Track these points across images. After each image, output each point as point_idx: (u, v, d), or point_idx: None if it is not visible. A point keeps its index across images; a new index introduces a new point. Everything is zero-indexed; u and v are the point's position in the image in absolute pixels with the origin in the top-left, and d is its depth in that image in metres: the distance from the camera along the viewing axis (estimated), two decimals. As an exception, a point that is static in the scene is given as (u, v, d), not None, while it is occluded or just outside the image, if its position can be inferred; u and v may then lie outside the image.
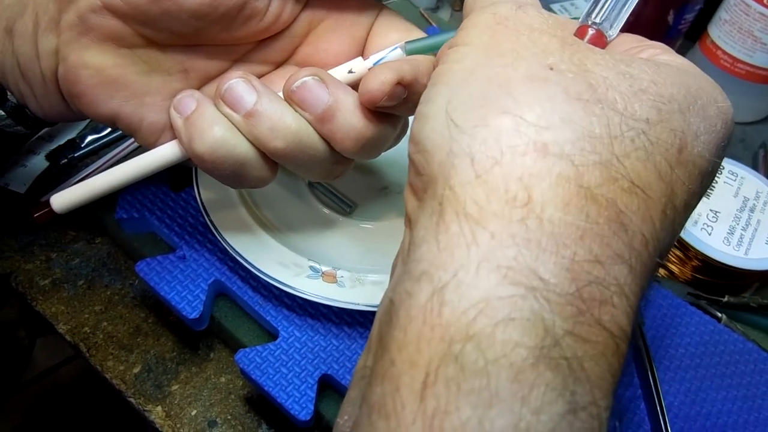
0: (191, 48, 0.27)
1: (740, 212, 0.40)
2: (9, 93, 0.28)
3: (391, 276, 0.21)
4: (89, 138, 0.45)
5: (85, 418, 0.97)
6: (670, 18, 0.54)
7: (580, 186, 0.17)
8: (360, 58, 0.28)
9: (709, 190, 0.41)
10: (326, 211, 0.38)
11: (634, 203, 0.18)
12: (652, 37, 0.61)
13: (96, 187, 0.28)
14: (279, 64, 0.30)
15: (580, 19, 0.23)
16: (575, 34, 0.22)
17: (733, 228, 0.39)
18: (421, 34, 0.29)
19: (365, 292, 0.33)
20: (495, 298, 0.16)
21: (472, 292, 0.16)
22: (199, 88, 0.28)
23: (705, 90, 0.20)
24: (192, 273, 0.35)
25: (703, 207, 0.40)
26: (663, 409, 0.32)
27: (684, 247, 0.39)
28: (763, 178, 0.42)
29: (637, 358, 0.35)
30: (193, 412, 0.35)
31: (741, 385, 0.34)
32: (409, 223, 0.20)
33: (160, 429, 0.34)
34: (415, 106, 0.27)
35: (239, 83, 0.25)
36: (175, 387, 0.36)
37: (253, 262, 0.33)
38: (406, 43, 0.27)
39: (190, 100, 0.26)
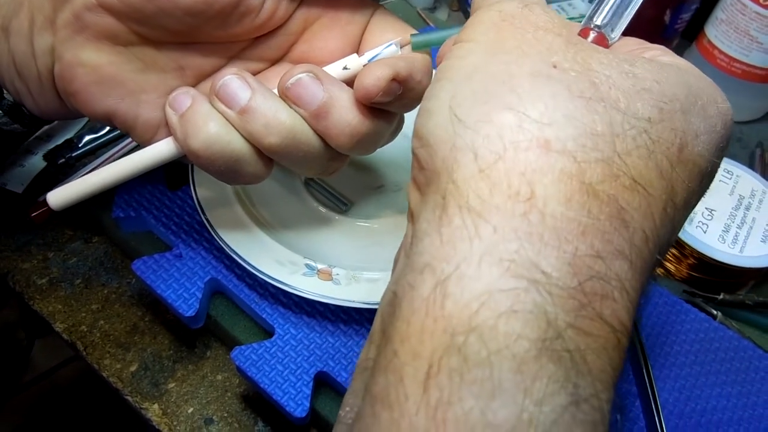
0: (186, 45, 0.27)
1: (735, 210, 0.40)
2: (5, 91, 0.28)
3: (394, 269, 0.21)
4: (87, 138, 0.45)
5: (84, 419, 0.98)
6: (667, 17, 0.54)
7: (582, 182, 0.17)
8: (355, 54, 0.28)
9: (704, 188, 0.41)
10: (322, 209, 0.38)
11: (635, 200, 0.18)
12: (649, 37, 0.61)
13: (92, 184, 0.28)
14: (274, 62, 0.30)
15: (582, 22, 0.23)
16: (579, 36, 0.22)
17: (729, 226, 0.39)
18: (413, 31, 0.29)
19: (361, 290, 0.33)
20: (497, 290, 0.16)
21: (474, 284, 0.16)
22: (194, 85, 0.28)
23: (705, 91, 0.20)
24: (188, 271, 0.35)
25: (698, 205, 0.40)
26: (658, 406, 0.32)
27: (680, 245, 0.39)
28: (759, 177, 0.42)
29: (632, 356, 0.35)
30: (190, 410, 0.35)
31: (736, 382, 0.34)
32: (412, 217, 0.21)
33: (157, 427, 0.34)
34: (410, 103, 0.27)
35: (234, 80, 0.25)
36: (171, 385, 0.36)
37: (249, 260, 0.33)
38: (411, 36, 0.27)
39: (185, 97, 0.26)
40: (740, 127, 0.57)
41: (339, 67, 0.27)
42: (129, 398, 0.35)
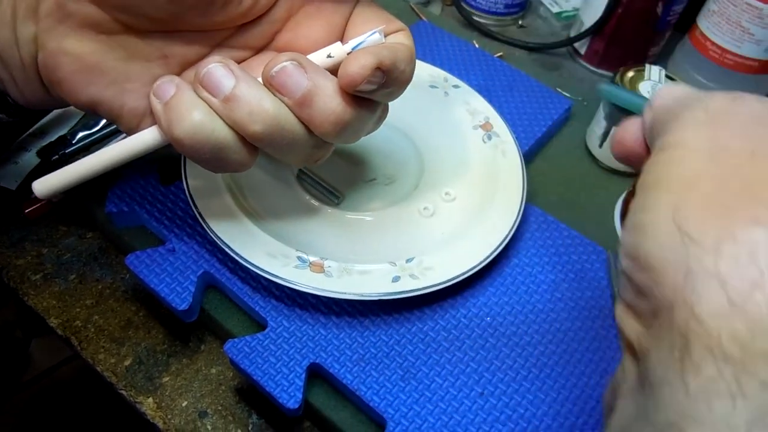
0: (170, 34, 0.27)
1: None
2: None
3: (605, 412, 0.18)
4: (80, 134, 0.45)
5: (84, 416, 0.98)
6: (659, 9, 0.54)
7: None
8: (339, 42, 0.28)
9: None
10: (314, 201, 0.39)
11: None
12: (642, 29, 0.61)
13: (77, 173, 0.28)
14: (259, 50, 0.30)
15: None
16: None
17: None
18: (397, 21, 0.29)
19: (353, 282, 0.33)
20: None
21: None
22: (179, 73, 0.29)
23: None
24: (181, 265, 0.35)
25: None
26: None
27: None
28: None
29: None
30: (184, 403, 0.35)
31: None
32: (632, 350, 0.18)
33: (151, 421, 0.34)
34: (394, 92, 0.27)
35: (217, 68, 0.25)
36: (166, 379, 0.36)
37: (241, 254, 0.33)
38: (603, 86, 0.28)
39: (169, 86, 0.26)
40: (733, 118, 0.57)
41: (323, 55, 0.27)
42: (123, 392, 0.35)
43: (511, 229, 0.37)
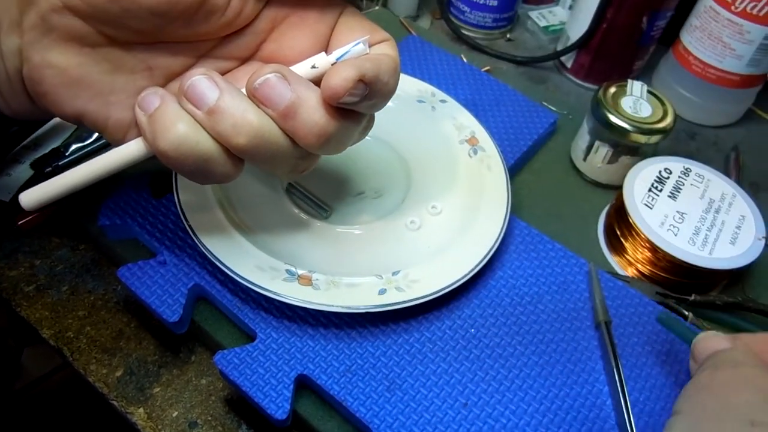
0: (154, 46, 0.28)
1: (706, 213, 0.41)
2: None
3: None
4: (73, 147, 0.46)
5: (74, 426, 0.98)
6: (643, 24, 0.56)
7: None
8: (323, 53, 0.28)
9: (675, 192, 0.43)
10: (303, 215, 0.39)
11: None
12: (627, 44, 0.62)
13: (64, 184, 0.28)
14: (244, 60, 0.30)
15: None
16: None
17: (699, 229, 0.41)
18: (381, 31, 0.29)
19: (340, 294, 0.34)
20: None
21: None
22: (163, 85, 0.29)
23: None
24: (172, 277, 0.36)
25: (669, 208, 0.41)
26: (628, 405, 0.33)
27: (652, 248, 0.40)
28: (729, 180, 0.44)
29: (604, 356, 0.36)
30: (175, 414, 0.35)
31: (705, 381, 0.36)
32: None
33: (142, 431, 0.35)
34: (377, 104, 0.27)
35: (201, 80, 0.26)
36: (156, 389, 0.36)
37: (230, 267, 0.34)
38: (662, 315, 0.34)
39: (153, 98, 0.26)
40: (716, 131, 0.59)
41: (307, 65, 0.27)
42: (114, 403, 0.36)
43: (495, 243, 0.38)
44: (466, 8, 0.62)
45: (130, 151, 0.28)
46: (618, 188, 0.44)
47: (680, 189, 0.43)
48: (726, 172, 0.50)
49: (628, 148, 0.45)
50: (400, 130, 0.44)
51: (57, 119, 0.47)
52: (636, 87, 0.47)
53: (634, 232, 0.41)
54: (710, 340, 0.31)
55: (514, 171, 0.47)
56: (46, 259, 0.42)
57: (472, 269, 0.36)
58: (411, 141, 0.44)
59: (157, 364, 0.37)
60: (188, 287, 0.35)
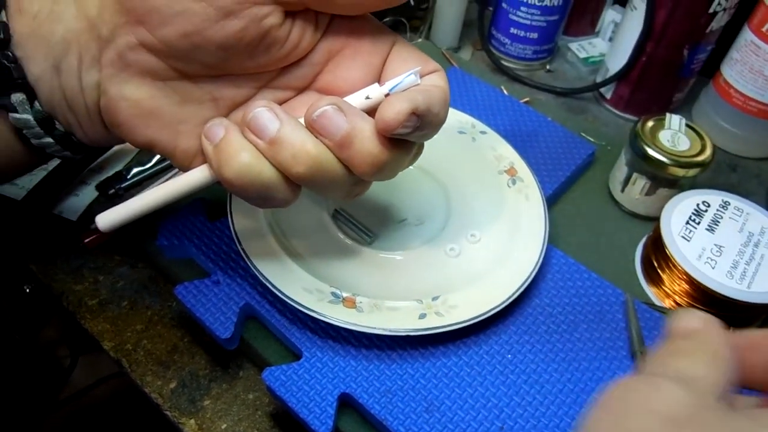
0: (219, 78, 0.30)
1: (744, 247, 0.42)
2: (57, 122, 0.30)
3: None
4: (134, 170, 0.49)
5: (120, 435, 1.01)
6: (684, 58, 0.57)
7: None
8: (376, 84, 0.29)
9: (713, 225, 0.43)
10: (348, 241, 0.41)
11: None
12: (667, 76, 0.63)
13: (136, 208, 0.31)
14: (301, 91, 0.32)
15: None
16: None
17: (737, 262, 0.41)
18: (432, 62, 0.30)
19: (382, 317, 0.36)
20: None
21: None
22: (227, 114, 0.31)
23: None
24: (225, 297, 0.38)
25: (707, 241, 0.42)
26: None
27: (690, 280, 0.41)
28: (769, 214, 0.44)
29: (640, 386, 0.37)
30: (223, 426, 0.38)
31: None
32: None
33: (192, 441, 0.37)
34: (428, 134, 0.29)
35: (263, 112, 0.27)
36: (207, 402, 0.39)
37: (280, 288, 0.36)
38: None
39: (219, 128, 0.28)
40: (758, 163, 0.59)
41: (361, 96, 0.29)
42: (168, 413, 0.38)
43: (532, 271, 0.39)
44: (506, 40, 0.64)
45: (196, 177, 0.30)
46: (656, 220, 0.45)
47: (718, 222, 0.43)
48: (767, 205, 0.50)
49: (666, 180, 0.46)
50: (442, 160, 0.46)
51: (120, 145, 0.50)
52: (674, 121, 0.47)
53: (671, 264, 0.42)
54: (681, 317, 0.25)
55: (551, 201, 0.48)
56: (108, 276, 0.44)
57: (510, 296, 0.37)
58: (452, 171, 0.46)
59: (208, 378, 0.40)
60: (239, 306, 0.38)
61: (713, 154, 0.46)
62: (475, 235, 0.42)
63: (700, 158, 0.45)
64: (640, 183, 0.47)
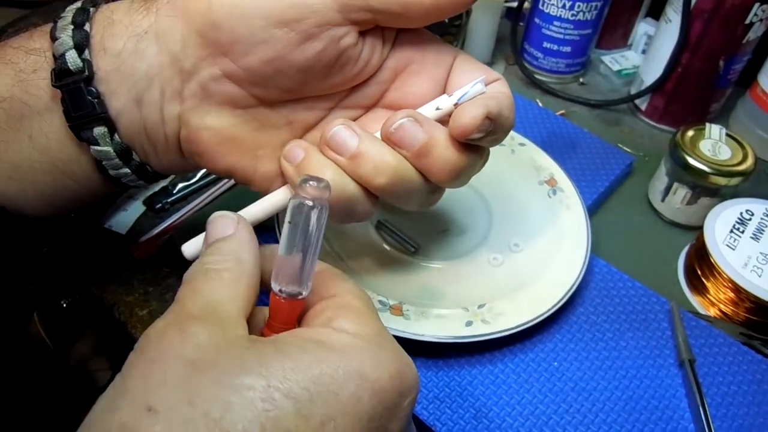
0: (294, 102, 0.31)
1: (791, 255, 0.41)
2: (134, 153, 0.32)
3: None
4: (180, 185, 0.51)
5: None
6: (720, 68, 0.56)
7: None
8: (445, 95, 0.30)
9: (758, 234, 0.43)
10: (392, 250, 0.42)
11: None
12: (703, 87, 0.63)
13: None
14: (369, 109, 0.32)
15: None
16: (271, 303, 0.25)
17: (784, 270, 0.41)
18: (493, 71, 0.31)
19: (429, 325, 0.36)
20: None
21: None
22: (301, 137, 0.32)
23: (347, 369, 0.22)
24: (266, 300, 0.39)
25: (752, 250, 0.42)
26: (715, 443, 0.33)
27: (736, 288, 0.41)
28: (815, 222, 0.44)
29: (688, 394, 0.36)
30: (272, 433, 0.38)
31: (794, 423, 0.35)
32: None
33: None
34: (499, 138, 0.30)
35: (342, 129, 0.29)
36: (255, 409, 0.39)
37: (328, 296, 0.36)
38: None
39: (298, 150, 0.29)
40: (798, 172, 0.58)
41: (432, 108, 0.30)
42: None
43: (576, 279, 0.39)
44: (539, 54, 0.65)
45: (277, 199, 0.31)
46: (697, 229, 0.45)
47: (763, 231, 0.43)
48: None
49: (708, 189, 0.46)
50: (482, 172, 0.46)
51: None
52: (714, 130, 0.48)
53: (716, 273, 0.42)
54: (217, 221, 0.27)
55: (591, 211, 0.48)
56: (157, 287, 0.46)
57: (555, 304, 0.38)
58: (492, 182, 0.47)
59: (256, 386, 0.40)
60: (288, 315, 0.38)
61: (755, 162, 0.46)
62: (518, 245, 0.43)
63: (742, 167, 0.45)
64: (681, 192, 0.47)
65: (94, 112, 0.29)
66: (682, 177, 0.47)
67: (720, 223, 0.43)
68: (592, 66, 0.69)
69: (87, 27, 0.29)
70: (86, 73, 0.28)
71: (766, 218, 0.44)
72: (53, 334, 0.99)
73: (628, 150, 0.54)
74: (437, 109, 0.30)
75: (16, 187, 0.31)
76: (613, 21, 0.67)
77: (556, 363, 0.38)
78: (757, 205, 0.45)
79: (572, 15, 0.60)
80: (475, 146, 0.30)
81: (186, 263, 0.46)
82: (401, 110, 0.29)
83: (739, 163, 0.45)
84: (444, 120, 0.29)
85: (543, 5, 0.61)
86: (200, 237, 0.31)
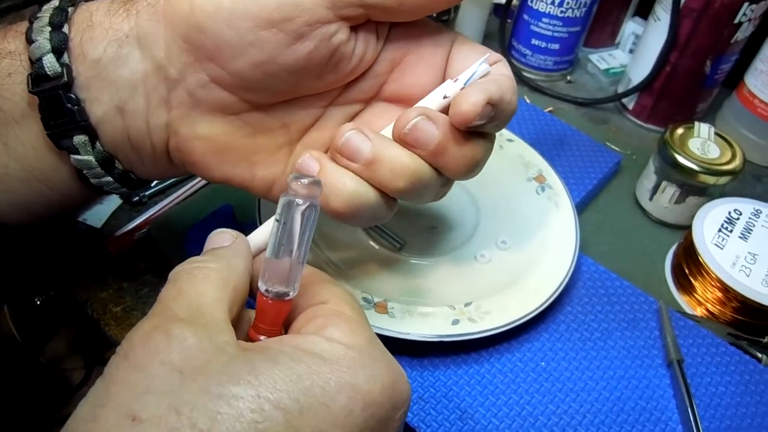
0: (288, 103, 0.29)
1: (779, 255, 0.41)
2: (117, 161, 0.30)
3: None
4: (158, 178, 0.49)
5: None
6: (707, 68, 0.56)
7: None
8: (450, 81, 0.28)
9: (746, 233, 0.43)
10: (378, 247, 0.41)
11: None
12: (690, 87, 0.63)
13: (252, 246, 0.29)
14: (368, 102, 0.31)
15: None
16: (258, 303, 0.24)
17: (772, 270, 0.40)
18: (493, 52, 0.29)
19: (414, 323, 0.35)
20: None
21: None
22: (299, 138, 0.31)
23: (339, 381, 0.21)
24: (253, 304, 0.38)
25: (741, 249, 0.41)
26: (704, 445, 0.33)
27: (724, 288, 0.40)
28: (802, 223, 0.43)
29: (677, 395, 0.36)
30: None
31: (783, 425, 0.35)
32: None
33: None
34: (503, 122, 0.28)
35: (354, 135, 0.27)
36: (233, 410, 0.38)
37: (310, 293, 0.35)
38: None
39: (312, 162, 0.27)
40: (783, 173, 0.58)
41: (439, 96, 0.28)
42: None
43: (565, 278, 0.38)
44: (527, 51, 0.64)
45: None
46: (684, 228, 0.44)
47: (751, 230, 0.43)
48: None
49: (696, 188, 0.46)
50: (469, 167, 0.46)
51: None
52: (703, 129, 0.47)
53: (704, 272, 0.41)
54: (214, 236, 0.27)
55: (579, 209, 0.48)
56: (133, 282, 0.44)
57: (544, 302, 0.37)
58: (480, 178, 0.45)
59: (234, 386, 0.39)
60: (268, 312, 0.37)
61: (744, 161, 0.45)
62: (506, 242, 0.42)
63: (731, 166, 0.45)
64: (669, 191, 0.47)
65: (74, 120, 0.27)
66: (670, 175, 0.46)
67: (708, 222, 0.43)
68: (579, 64, 0.68)
69: (65, 29, 0.27)
70: (65, 78, 0.26)
71: (754, 218, 0.44)
72: (26, 331, 0.97)
73: (616, 149, 0.54)
74: (444, 97, 0.28)
75: None
76: (601, 19, 0.67)
77: (543, 363, 0.37)
78: (745, 205, 0.44)
79: (561, 12, 0.60)
80: (484, 134, 0.28)
81: (163, 258, 0.45)
82: (413, 108, 0.27)
83: (728, 162, 0.45)
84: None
85: (532, 2, 0.61)
86: None
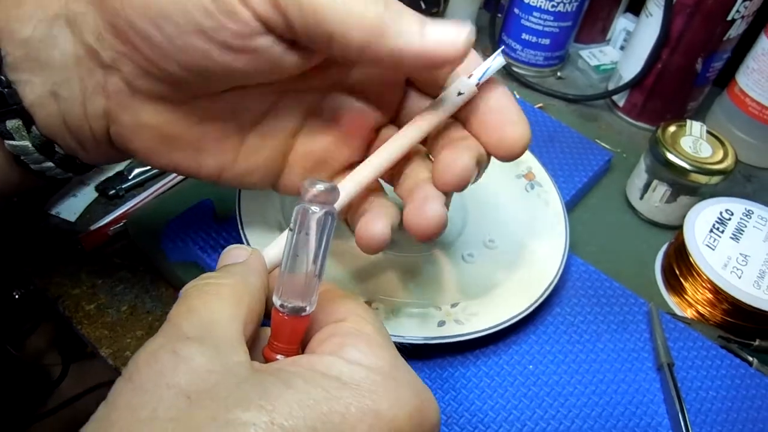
0: (236, 91, 0.27)
1: (771, 256, 0.40)
2: (57, 146, 0.28)
3: None
4: (136, 171, 0.48)
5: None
6: (698, 66, 0.56)
7: None
8: (464, 78, 0.26)
9: (738, 234, 0.42)
10: (362, 245, 0.40)
11: None
12: (681, 84, 0.62)
13: (272, 259, 0.27)
14: (330, 89, 0.29)
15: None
16: (273, 320, 0.23)
17: (763, 272, 0.40)
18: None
19: (399, 324, 0.34)
20: None
21: None
22: (252, 126, 0.29)
23: (360, 406, 0.20)
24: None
25: (732, 250, 0.41)
26: (694, 451, 0.32)
27: (714, 289, 0.39)
28: (794, 224, 0.43)
29: (667, 399, 0.35)
30: None
31: (774, 430, 0.34)
32: None
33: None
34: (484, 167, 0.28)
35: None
36: (210, 412, 0.36)
37: (291, 292, 0.34)
38: None
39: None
40: (775, 173, 0.57)
41: (454, 94, 0.26)
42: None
43: (554, 279, 0.37)
44: (518, 46, 0.63)
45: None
46: (675, 228, 0.44)
47: (743, 231, 0.42)
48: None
49: (688, 188, 0.45)
50: (457, 163, 0.44)
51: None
52: (695, 127, 0.46)
53: (695, 273, 0.40)
54: (228, 252, 0.26)
55: (568, 207, 0.46)
56: (108, 279, 0.42)
57: (532, 303, 0.36)
58: (467, 174, 0.44)
59: (212, 387, 0.37)
60: (248, 311, 0.36)
61: (736, 161, 0.44)
62: (494, 241, 0.41)
63: (723, 165, 0.44)
64: (660, 190, 0.46)
65: (6, 103, 0.25)
66: (661, 174, 0.45)
67: (700, 223, 0.42)
68: (570, 60, 0.67)
69: None
70: None
71: (746, 218, 0.43)
72: (4, 325, 0.95)
73: (606, 146, 0.53)
74: (459, 94, 0.26)
75: None
76: (592, 15, 0.66)
77: (531, 366, 0.36)
78: (736, 205, 0.44)
79: (552, 6, 0.59)
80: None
81: (140, 254, 0.43)
82: (427, 195, 0.28)
83: (720, 161, 0.44)
84: (461, 109, 0.27)
85: (522, -5, 0.60)
86: None
